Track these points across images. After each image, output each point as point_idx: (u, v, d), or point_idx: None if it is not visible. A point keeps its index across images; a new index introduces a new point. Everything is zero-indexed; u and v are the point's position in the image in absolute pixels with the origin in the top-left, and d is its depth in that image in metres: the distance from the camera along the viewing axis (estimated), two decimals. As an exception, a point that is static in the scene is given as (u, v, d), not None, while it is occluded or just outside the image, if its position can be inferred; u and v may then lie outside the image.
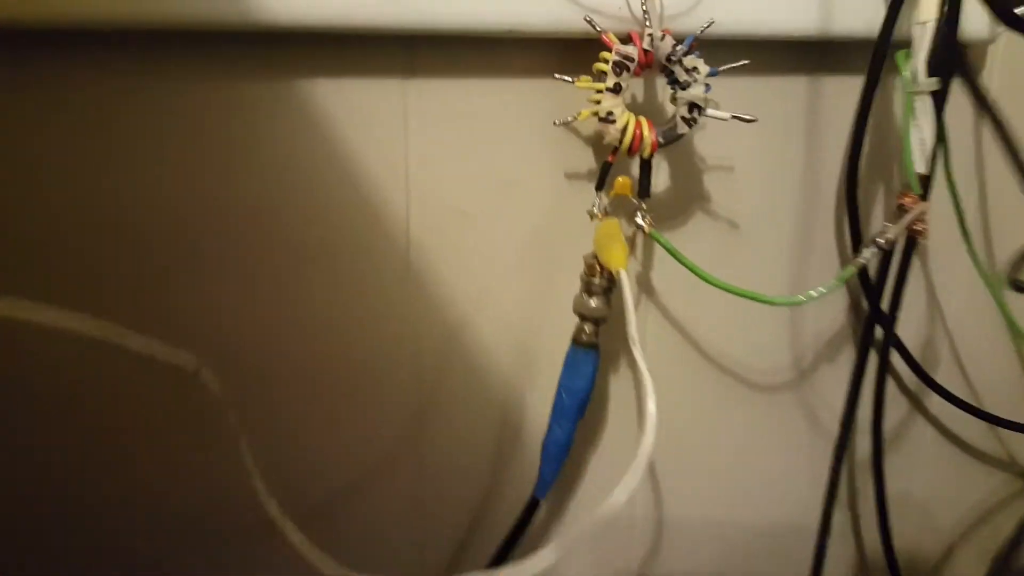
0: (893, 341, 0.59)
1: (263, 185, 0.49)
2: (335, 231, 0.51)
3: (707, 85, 0.47)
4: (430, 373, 0.56)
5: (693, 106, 0.47)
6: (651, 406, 0.39)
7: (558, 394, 0.53)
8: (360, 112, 0.49)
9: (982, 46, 0.59)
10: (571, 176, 0.54)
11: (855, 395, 0.67)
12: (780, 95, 0.58)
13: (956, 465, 0.77)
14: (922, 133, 0.47)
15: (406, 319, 0.54)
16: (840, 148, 0.61)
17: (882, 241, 0.47)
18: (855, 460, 0.73)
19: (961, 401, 0.69)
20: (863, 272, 0.60)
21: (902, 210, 0.49)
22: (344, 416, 0.55)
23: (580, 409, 0.53)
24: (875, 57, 0.52)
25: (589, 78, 0.48)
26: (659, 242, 0.49)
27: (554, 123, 0.49)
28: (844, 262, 0.64)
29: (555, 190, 0.54)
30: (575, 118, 0.48)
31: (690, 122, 0.47)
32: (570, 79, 0.48)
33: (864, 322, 0.65)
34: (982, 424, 0.75)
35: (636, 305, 0.58)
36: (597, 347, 0.52)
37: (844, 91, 0.58)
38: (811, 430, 0.69)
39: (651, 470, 0.65)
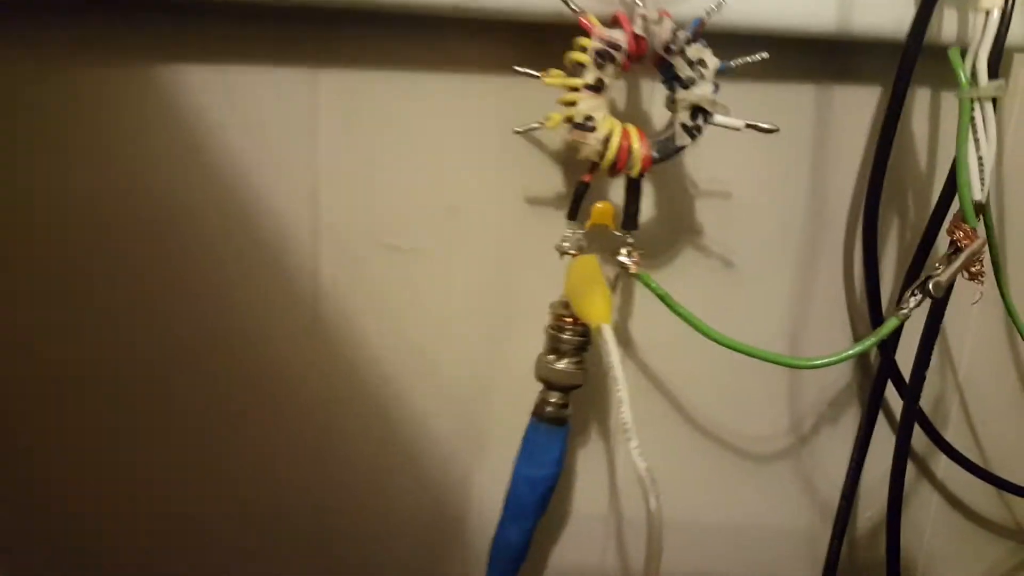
0: (915, 412, 0.49)
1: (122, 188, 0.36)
2: (219, 265, 0.38)
3: (716, 84, 0.35)
4: (341, 444, 0.43)
5: (698, 111, 0.36)
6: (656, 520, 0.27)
7: (514, 483, 0.41)
8: (256, 110, 0.37)
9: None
10: (535, 201, 0.42)
11: (859, 464, 0.58)
12: (785, 105, 0.48)
13: (962, 532, 0.70)
14: (980, 150, 0.37)
15: (310, 382, 0.41)
16: (851, 169, 0.51)
17: (932, 287, 0.36)
18: (856, 531, 0.64)
19: (975, 466, 0.60)
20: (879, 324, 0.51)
21: (954, 248, 0.38)
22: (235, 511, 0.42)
23: (542, 504, 0.41)
24: (906, 56, 0.42)
25: (561, 72, 0.36)
26: (650, 287, 0.38)
27: (514, 131, 0.37)
28: (853, 307, 0.54)
29: (514, 219, 0.42)
30: (542, 124, 0.36)
31: (693, 131, 0.36)
32: (536, 73, 0.36)
33: (874, 382, 0.55)
34: (990, 489, 0.67)
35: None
36: (566, 422, 0.40)
37: (857, 102, 0.49)
38: (810, 503, 0.59)
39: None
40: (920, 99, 0.51)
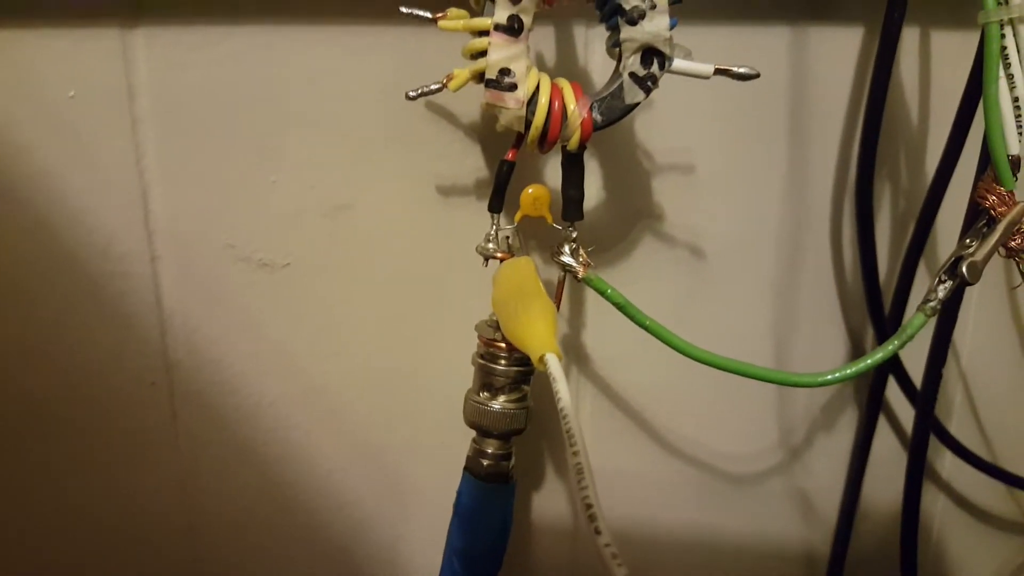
0: (929, 418, 0.41)
1: None
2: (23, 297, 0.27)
3: (671, 17, 0.26)
4: (223, 516, 0.33)
5: (651, 54, 0.26)
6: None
7: (447, 559, 0.31)
8: (44, 86, 0.26)
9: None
10: (447, 190, 0.32)
11: (859, 475, 0.50)
12: (755, 52, 0.39)
13: (970, 531, 0.64)
14: (1017, 88, 0.28)
15: (170, 448, 0.31)
16: (834, 127, 0.43)
17: (965, 270, 0.28)
18: (858, 548, 0.57)
19: (983, 462, 0.54)
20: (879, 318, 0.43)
21: (984, 216, 0.30)
22: None
23: (488, 580, 0.31)
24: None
25: (463, 13, 0.26)
26: (605, 295, 0.29)
27: (407, 96, 0.27)
28: (845, 294, 0.46)
29: (421, 216, 0.33)
30: (443, 85, 0.26)
31: (647, 82, 0.26)
32: (428, 15, 0.26)
33: (872, 381, 0.48)
34: (998, 484, 0.61)
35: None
36: (509, 477, 0.30)
37: (837, 46, 0.42)
38: (805, 523, 0.52)
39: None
40: (908, 40, 0.43)
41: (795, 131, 0.42)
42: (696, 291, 0.42)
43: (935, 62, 0.45)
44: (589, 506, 0.19)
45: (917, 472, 0.44)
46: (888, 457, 0.51)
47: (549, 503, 0.41)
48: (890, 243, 0.47)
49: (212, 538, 0.33)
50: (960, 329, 0.53)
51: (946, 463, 0.57)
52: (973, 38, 0.34)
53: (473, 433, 0.32)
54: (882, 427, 0.52)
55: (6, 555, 0.30)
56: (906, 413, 0.50)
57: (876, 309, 0.44)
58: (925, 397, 0.43)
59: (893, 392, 0.50)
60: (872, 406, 0.48)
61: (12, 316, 0.28)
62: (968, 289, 0.51)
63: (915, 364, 0.46)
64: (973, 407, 0.57)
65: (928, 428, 0.43)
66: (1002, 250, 0.30)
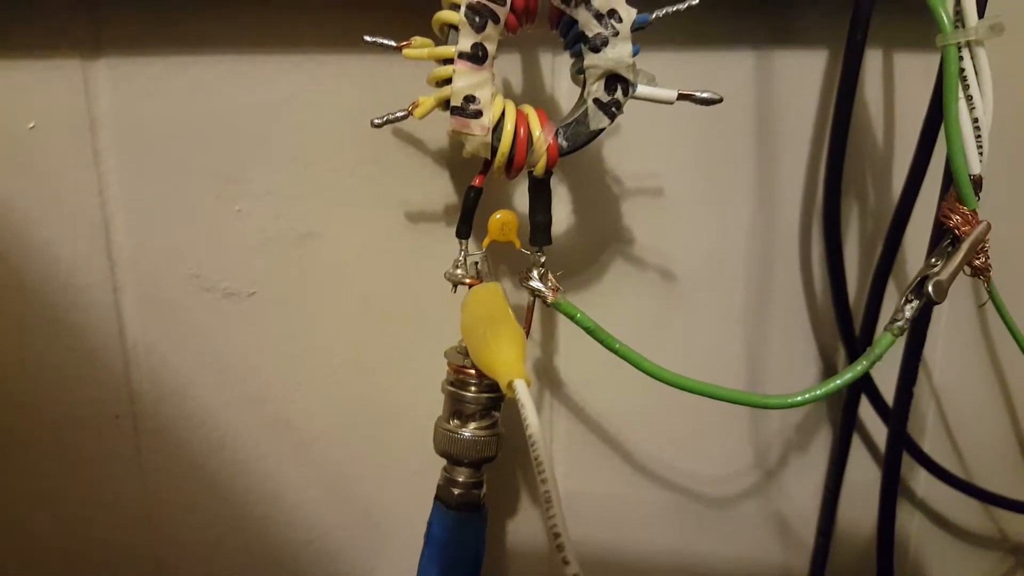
0: (901, 436, 0.41)
1: None
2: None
3: (634, 44, 0.26)
4: (189, 556, 0.32)
5: (615, 80, 0.26)
6: None
7: (420, 592, 0.30)
8: (6, 119, 0.26)
9: None
10: (414, 214, 0.32)
11: (834, 496, 0.50)
12: (720, 76, 0.39)
13: (946, 548, 0.64)
14: (975, 110, 0.29)
15: (135, 483, 0.30)
16: (800, 149, 0.43)
17: (931, 289, 0.28)
18: (834, 565, 0.56)
19: (959, 480, 0.54)
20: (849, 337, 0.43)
21: (949, 235, 0.30)
22: None
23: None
24: (859, 8, 0.34)
25: (428, 41, 0.26)
26: (575, 320, 0.28)
27: (372, 123, 0.27)
28: (815, 313, 0.46)
29: (389, 243, 0.33)
30: (408, 112, 0.26)
31: (611, 108, 0.27)
32: (393, 43, 0.26)
33: (846, 401, 0.48)
34: (972, 500, 0.61)
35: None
36: (481, 506, 0.30)
37: (801, 69, 0.42)
38: (783, 544, 0.51)
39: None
40: (871, 62, 0.44)
41: (762, 154, 0.42)
42: (667, 313, 0.41)
43: (899, 83, 0.45)
44: (557, 535, 0.19)
45: (891, 490, 0.44)
46: (863, 476, 0.51)
47: (524, 529, 0.40)
48: (859, 263, 0.48)
49: (179, 572, 0.33)
50: (931, 347, 0.53)
51: (921, 481, 0.57)
52: (935, 59, 0.34)
53: (444, 461, 0.31)
54: (856, 447, 0.52)
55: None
56: (880, 432, 0.50)
57: (847, 329, 0.44)
58: (897, 415, 0.43)
59: (866, 411, 0.50)
60: (846, 426, 0.48)
61: (-30, 349, 0.27)
62: (937, 308, 0.52)
63: (887, 383, 0.46)
64: (946, 425, 0.57)
65: (901, 446, 0.43)
66: (967, 269, 0.31)
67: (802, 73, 0.42)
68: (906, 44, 0.43)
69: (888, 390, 0.46)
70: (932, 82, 0.37)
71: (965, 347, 0.55)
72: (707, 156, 0.41)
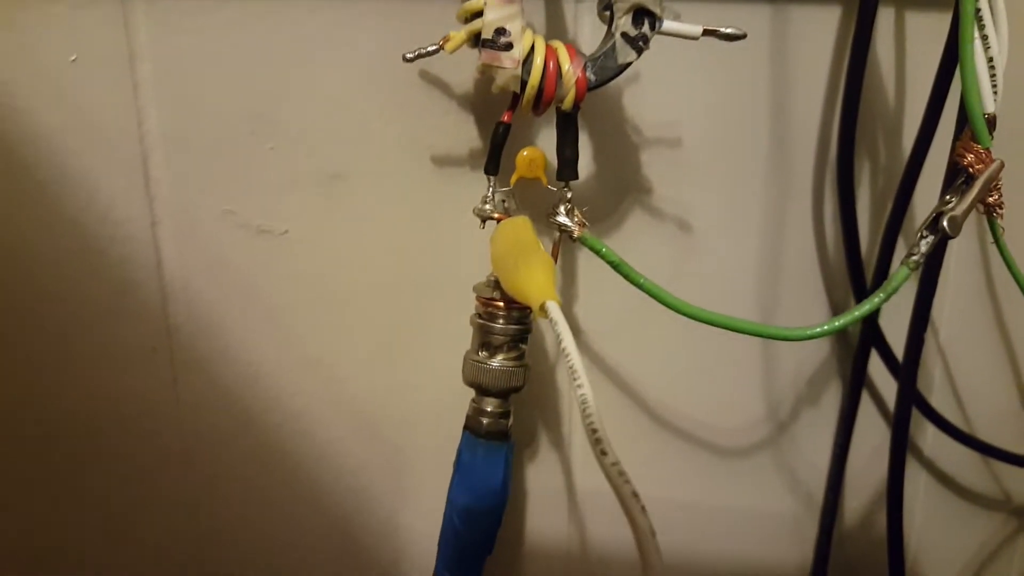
0: (912, 392, 0.42)
1: None
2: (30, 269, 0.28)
3: (661, -20, 0.27)
4: (224, 490, 0.33)
5: (642, 14, 0.27)
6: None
7: (448, 519, 0.31)
8: (43, 57, 0.26)
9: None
10: (443, 157, 0.33)
11: (844, 450, 0.51)
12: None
13: (952, 508, 0.64)
14: (991, 48, 0.30)
15: (172, 416, 0.31)
16: (814, 103, 0.44)
17: (946, 224, 0.29)
18: (844, 522, 0.57)
19: (965, 435, 0.55)
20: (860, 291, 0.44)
21: (963, 174, 0.31)
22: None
23: (485, 542, 0.32)
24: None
25: (459, -24, 0.27)
26: (600, 254, 0.29)
27: (404, 58, 0.28)
28: (825, 262, 0.47)
29: (418, 182, 0.34)
30: (440, 47, 0.27)
31: (639, 42, 0.27)
32: (426, -22, 0.27)
33: (855, 354, 0.49)
34: (978, 461, 0.62)
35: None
36: (508, 436, 0.31)
37: (815, 25, 0.43)
38: (793, 497, 0.52)
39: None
40: (884, 21, 0.45)
41: (777, 108, 0.43)
42: (682, 262, 0.42)
43: (910, 42, 0.46)
44: (595, 431, 0.20)
45: (901, 442, 0.45)
46: (873, 433, 0.52)
47: (545, 472, 0.41)
48: (871, 217, 0.48)
49: (213, 504, 0.33)
50: (938, 305, 0.54)
51: (928, 439, 0.58)
52: (945, 19, 0.35)
53: (471, 395, 0.32)
54: (866, 403, 0.53)
55: (5, 525, 0.30)
56: (889, 389, 0.51)
57: (858, 281, 0.45)
58: (907, 365, 0.44)
59: (876, 368, 0.51)
60: (856, 380, 0.49)
61: (12, 279, 0.28)
62: (944, 262, 0.53)
63: (897, 338, 0.47)
64: (952, 382, 0.58)
65: (911, 396, 0.44)
66: (980, 206, 0.31)
67: (817, 28, 0.42)
68: (918, 4, 0.44)
69: (896, 343, 0.47)
70: (942, 41, 0.38)
71: (972, 306, 0.56)
72: (723, 109, 0.41)
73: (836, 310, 0.48)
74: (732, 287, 0.45)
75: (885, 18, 0.45)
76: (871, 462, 0.51)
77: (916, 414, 0.53)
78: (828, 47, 0.43)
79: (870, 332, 0.47)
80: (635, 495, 0.20)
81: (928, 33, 0.40)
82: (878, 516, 0.52)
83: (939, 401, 0.58)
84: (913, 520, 0.61)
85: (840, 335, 0.50)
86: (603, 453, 0.20)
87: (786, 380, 0.49)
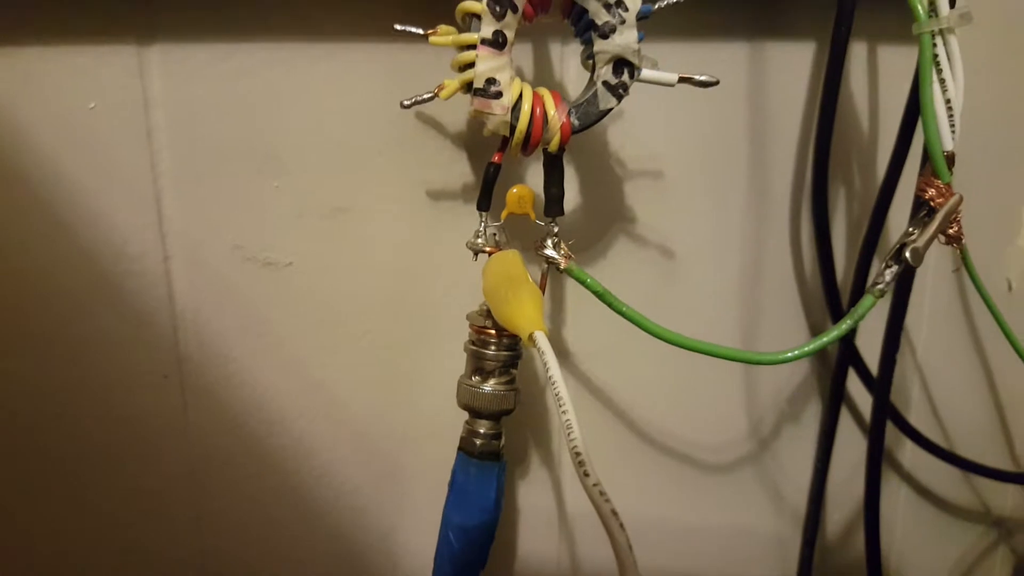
0: (886, 407, 0.44)
1: None
2: (48, 306, 0.29)
3: (639, 32, 0.29)
4: (228, 507, 0.34)
5: (622, 64, 0.29)
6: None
7: (443, 535, 0.33)
8: (67, 100, 0.28)
9: None
10: (438, 193, 0.35)
11: (824, 465, 0.53)
12: (717, 66, 0.41)
13: (932, 521, 0.66)
14: (948, 92, 0.32)
15: (181, 438, 0.33)
16: (790, 135, 0.46)
17: (908, 255, 0.31)
18: (826, 535, 0.59)
19: (943, 451, 0.56)
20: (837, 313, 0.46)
21: (925, 207, 0.33)
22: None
23: (479, 557, 0.33)
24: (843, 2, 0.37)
25: (452, 29, 0.29)
26: (585, 284, 0.31)
27: (401, 104, 0.30)
28: (805, 289, 0.49)
29: (414, 216, 0.35)
30: (435, 94, 0.29)
31: (618, 90, 0.29)
32: (420, 31, 0.29)
33: (834, 373, 0.50)
34: (957, 474, 0.64)
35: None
36: (500, 456, 0.33)
37: (792, 60, 0.45)
38: (776, 511, 0.54)
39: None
40: (857, 54, 0.47)
41: (755, 139, 0.45)
42: (666, 289, 0.44)
43: (882, 74, 0.48)
44: (578, 454, 0.22)
45: (877, 453, 0.47)
46: (853, 447, 0.53)
47: (533, 491, 0.43)
48: (847, 242, 0.51)
49: (219, 525, 0.35)
50: (915, 323, 0.56)
51: (907, 453, 0.60)
52: (915, 53, 0.37)
53: (465, 418, 0.34)
54: (846, 420, 0.55)
55: (19, 542, 0.31)
56: (868, 405, 0.53)
57: (834, 304, 0.47)
58: (882, 382, 0.46)
59: (855, 385, 0.53)
60: (834, 398, 0.51)
61: (33, 311, 0.30)
62: (921, 284, 0.55)
63: (875, 356, 0.49)
64: (930, 398, 0.60)
65: (885, 410, 0.46)
66: (941, 237, 0.33)
67: (792, 64, 0.45)
68: (889, 38, 0.46)
69: (873, 361, 0.49)
70: (912, 72, 0.40)
71: (947, 324, 0.58)
72: (703, 141, 0.43)
73: (815, 331, 0.50)
74: (715, 310, 0.47)
75: (858, 52, 0.47)
76: (852, 476, 0.53)
77: (896, 430, 0.55)
78: (804, 80, 0.46)
79: (847, 352, 0.49)
80: (614, 513, 0.21)
81: (900, 65, 0.42)
82: (860, 529, 0.53)
83: (917, 417, 0.60)
84: (894, 533, 0.62)
85: (819, 354, 0.52)
86: (586, 474, 0.22)
87: (767, 398, 0.51)
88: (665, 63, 0.33)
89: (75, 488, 0.32)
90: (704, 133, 0.43)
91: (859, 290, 0.47)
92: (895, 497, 0.62)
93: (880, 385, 0.45)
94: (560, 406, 0.24)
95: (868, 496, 0.49)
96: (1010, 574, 0.74)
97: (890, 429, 0.55)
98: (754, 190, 0.46)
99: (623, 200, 0.41)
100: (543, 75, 0.36)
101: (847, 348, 0.49)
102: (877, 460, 0.47)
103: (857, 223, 0.50)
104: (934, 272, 0.55)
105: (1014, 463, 0.70)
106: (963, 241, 0.33)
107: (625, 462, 0.46)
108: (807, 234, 0.48)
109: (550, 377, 0.25)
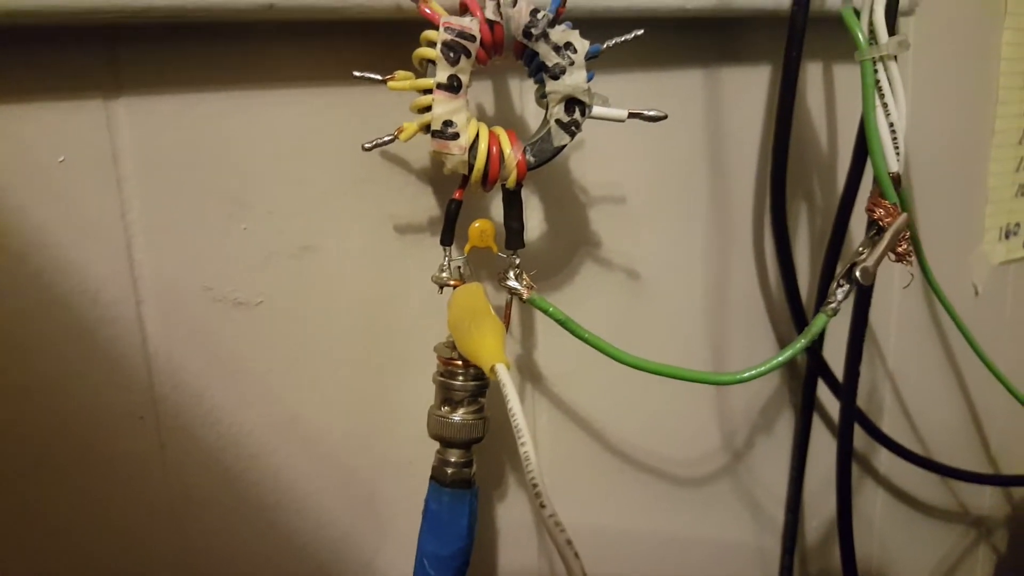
0: (853, 411, 0.45)
1: None
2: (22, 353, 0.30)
3: (590, 72, 0.30)
4: (207, 543, 0.35)
5: (573, 103, 0.30)
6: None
7: (419, 564, 0.34)
8: (35, 155, 0.29)
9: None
10: (404, 228, 0.36)
11: (800, 473, 0.54)
12: (673, 93, 0.43)
13: (910, 524, 0.67)
14: (891, 115, 0.33)
15: (157, 477, 0.33)
16: (749, 156, 0.48)
17: (859, 274, 0.32)
18: (805, 542, 0.60)
19: (916, 456, 0.58)
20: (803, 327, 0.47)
21: (874, 227, 0.34)
22: None
23: (457, 582, 0.34)
24: (794, 24, 0.38)
25: (409, 74, 0.30)
26: (547, 313, 0.32)
27: (362, 147, 0.31)
28: (772, 306, 0.50)
29: (381, 252, 0.36)
30: (394, 137, 0.30)
31: (571, 127, 0.31)
32: (378, 77, 0.30)
33: (804, 384, 0.52)
34: (933, 477, 0.65)
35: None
36: (471, 483, 0.34)
37: (747, 83, 0.46)
38: (754, 521, 0.55)
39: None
40: (812, 74, 0.49)
41: (715, 161, 0.46)
42: (634, 310, 0.45)
43: (838, 92, 0.50)
44: (535, 485, 0.23)
45: (846, 458, 0.48)
46: (826, 454, 0.54)
47: (511, 511, 0.43)
48: (810, 257, 0.52)
49: (199, 561, 0.36)
50: (884, 332, 0.58)
51: (882, 461, 0.61)
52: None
53: (437, 446, 0.35)
54: (819, 429, 0.56)
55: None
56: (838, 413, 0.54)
57: (799, 318, 0.48)
58: (847, 389, 0.47)
59: (826, 394, 0.54)
60: (806, 408, 0.52)
61: (8, 361, 0.30)
62: (888, 293, 0.56)
63: (841, 366, 0.50)
64: (903, 404, 0.61)
65: (852, 413, 0.47)
66: (891, 255, 0.35)
67: (748, 87, 0.46)
68: (843, 57, 0.48)
69: (841, 370, 0.50)
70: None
71: (917, 332, 0.60)
72: (664, 165, 0.44)
73: (782, 343, 0.52)
74: (684, 328, 0.48)
75: (814, 71, 0.49)
76: (828, 485, 0.54)
77: (869, 438, 0.57)
78: (760, 102, 0.47)
79: (815, 362, 0.50)
80: (569, 543, 0.22)
81: (856, 81, 0.44)
82: (837, 535, 0.54)
83: (891, 422, 0.61)
84: (872, 538, 0.63)
85: (789, 365, 0.53)
86: (542, 506, 0.22)
87: (740, 411, 0.52)
88: (622, 93, 0.34)
89: (57, 531, 0.33)
90: (665, 157, 0.44)
91: (822, 303, 0.49)
92: (872, 502, 0.63)
93: (846, 394, 0.46)
94: (519, 438, 0.25)
95: (840, 503, 0.50)
96: (992, 572, 0.75)
97: (865, 437, 0.56)
98: (717, 210, 0.47)
99: (588, 226, 0.42)
100: (503, 110, 0.37)
101: (815, 359, 0.50)
102: (847, 468, 0.48)
103: (820, 237, 0.51)
104: (901, 279, 0.56)
105: (990, 464, 0.72)
106: (911, 258, 0.35)
107: (602, 480, 0.47)
108: (770, 251, 0.49)
109: (509, 409, 0.26)
